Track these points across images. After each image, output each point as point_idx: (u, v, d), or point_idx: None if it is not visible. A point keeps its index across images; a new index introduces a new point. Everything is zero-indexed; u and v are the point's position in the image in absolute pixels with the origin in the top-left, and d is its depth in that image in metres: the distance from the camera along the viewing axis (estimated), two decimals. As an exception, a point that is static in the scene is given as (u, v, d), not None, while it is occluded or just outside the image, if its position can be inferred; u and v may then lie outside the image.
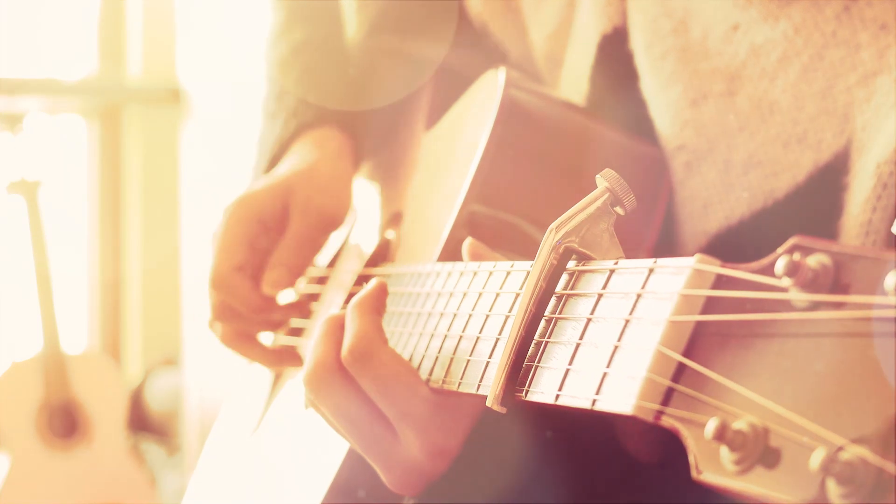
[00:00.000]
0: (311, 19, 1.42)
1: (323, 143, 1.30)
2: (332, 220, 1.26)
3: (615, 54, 1.07)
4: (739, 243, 0.96)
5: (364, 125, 1.34)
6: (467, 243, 0.94)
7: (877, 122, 0.87)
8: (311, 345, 0.95)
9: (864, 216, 0.86)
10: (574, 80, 1.12)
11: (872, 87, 0.88)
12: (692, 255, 0.95)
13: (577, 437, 1.02)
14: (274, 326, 1.28)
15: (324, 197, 1.25)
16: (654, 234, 1.02)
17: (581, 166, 1.03)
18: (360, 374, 0.90)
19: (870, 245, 0.85)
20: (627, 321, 0.68)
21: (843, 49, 0.90)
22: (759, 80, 0.95)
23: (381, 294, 0.94)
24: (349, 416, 0.91)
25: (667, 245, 1.02)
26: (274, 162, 1.32)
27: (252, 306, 1.22)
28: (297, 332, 1.30)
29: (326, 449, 1.06)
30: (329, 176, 1.26)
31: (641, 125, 1.04)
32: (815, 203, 0.91)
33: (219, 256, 1.22)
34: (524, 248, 0.99)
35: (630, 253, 0.78)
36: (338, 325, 0.94)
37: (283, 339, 1.32)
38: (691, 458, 0.58)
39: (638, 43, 1.04)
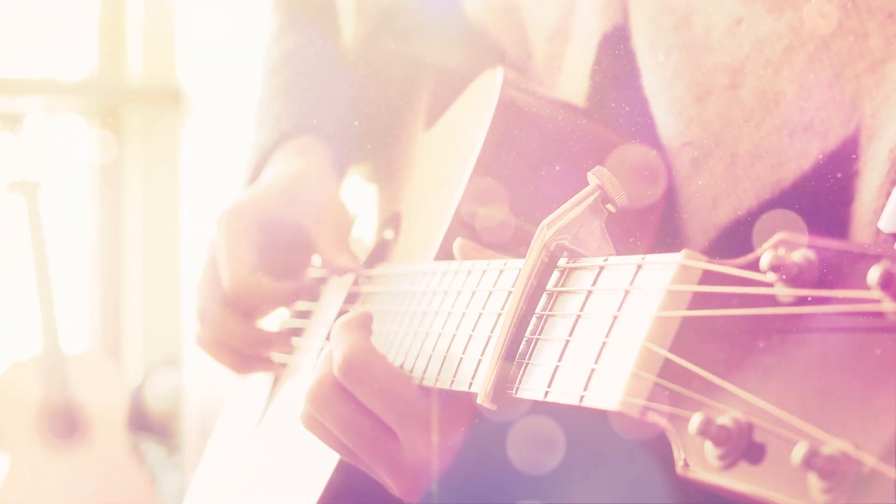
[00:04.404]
0: (305, 26, 1.42)
1: (304, 152, 1.30)
2: (344, 220, 1.28)
3: (616, 53, 1.07)
4: (748, 235, 0.96)
5: (346, 134, 1.34)
6: (458, 244, 0.95)
7: (887, 109, 0.87)
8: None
9: (878, 202, 0.86)
10: (574, 80, 1.12)
11: (882, 74, 0.88)
12: (702, 249, 0.94)
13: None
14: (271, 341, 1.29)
15: (326, 198, 1.27)
16: (652, 233, 1.02)
17: (577, 166, 1.03)
18: (355, 386, 0.91)
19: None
20: (615, 317, 0.69)
21: (850, 38, 0.90)
22: (763, 72, 0.94)
23: (367, 318, 0.95)
24: (354, 427, 0.92)
25: (675, 240, 1.02)
26: (257, 170, 1.32)
27: (277, 302, 1.23)
28: (296, 332, 1.30)
29: (324, 449, 1.06)
30: (319, 181, 1.28)
31: (643, 123, 1.04)
32: (823, 191, 0.91)
33: (232, 261, 1.22)
34: (521, 247, 0.99)
35: (627, 251, 0.78)
36: None
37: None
38: (676, 454, 0.58)
39: (640, 41, 1.04)
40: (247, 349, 1.27)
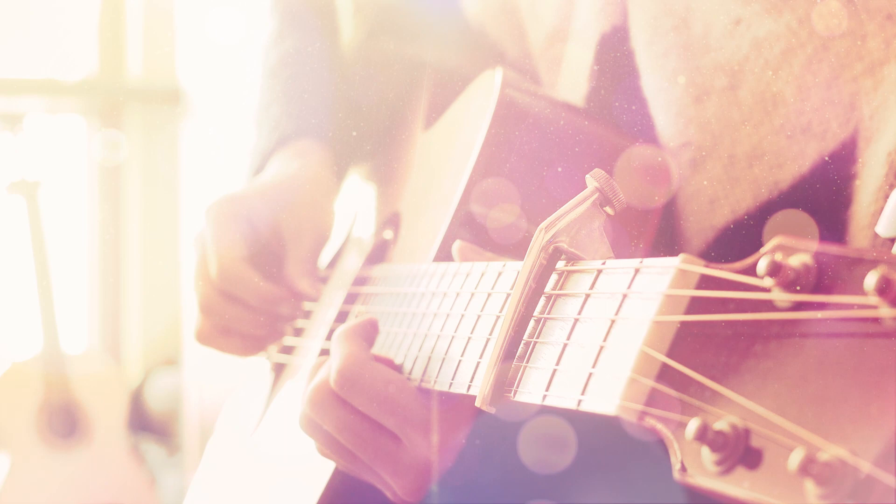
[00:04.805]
0: (303, 28, 1.42)
1: (302, 155, 1.31)
2: (322, 235, 1.28)
3: (615, 53, 1.07)
4: (746, 236, 0.96)
5: (345, 136, 1.35)
6: (456, 246, 0.95)
7: (885, 111, 0.87)
8: (311, 371, 0.96)
9: (876, 205, 0.86)
10: (573, 80, 1.12)
11: (880, 76, 0.88)
12: (700, 250, 0.94)
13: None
14: (279, 319, 1.29)
15: (311, 210, 1.27)
16: (650, 233, 1.02)
17: (577, 166, 1.03)
18: (352, 397, 0.91)
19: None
20: (613, 321, 0.68)
21: (848, 39, 0.90)
22: (761, 73, 0.94)
23: (369, 326, 0.94)
24: (353, 430, 0.92)
25: (673, 241, 1.02)
26: (257, 173, 1.34)
27: (264, 296, 1.24)
28: (296, 332, 1.30)
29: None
30: (312, 187, 1.28)
31: (642, 123, 1.04)
32: (821, 193, 0.91)
33: (220, 249, 1.23)
34: (519, 249, 0.99)
35: (626, 253, 0.77)
36: None
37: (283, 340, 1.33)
38: (673, 459, 0.57)
39: (639, 41, 1.04)
40: (252, 329, 1.27)
